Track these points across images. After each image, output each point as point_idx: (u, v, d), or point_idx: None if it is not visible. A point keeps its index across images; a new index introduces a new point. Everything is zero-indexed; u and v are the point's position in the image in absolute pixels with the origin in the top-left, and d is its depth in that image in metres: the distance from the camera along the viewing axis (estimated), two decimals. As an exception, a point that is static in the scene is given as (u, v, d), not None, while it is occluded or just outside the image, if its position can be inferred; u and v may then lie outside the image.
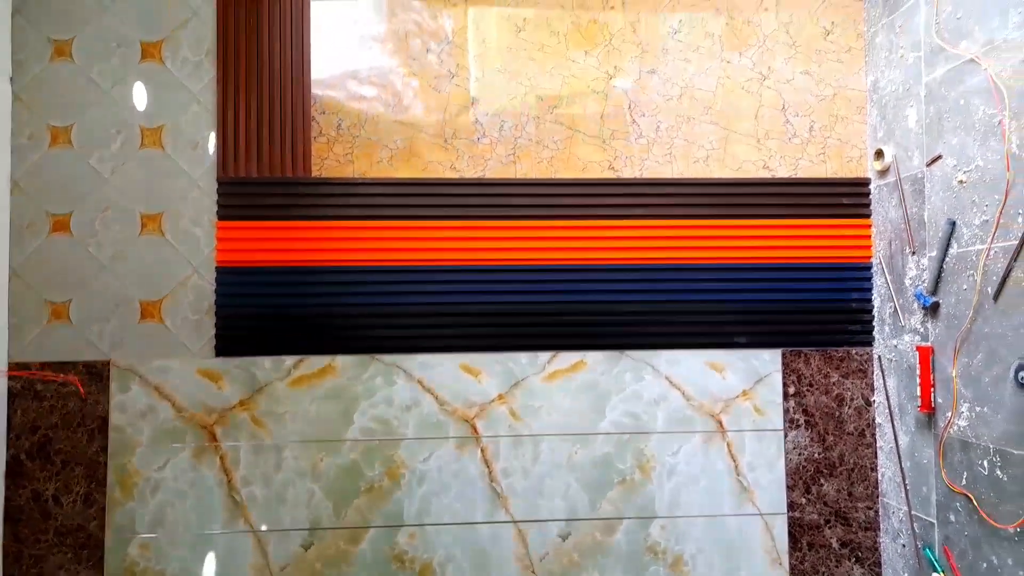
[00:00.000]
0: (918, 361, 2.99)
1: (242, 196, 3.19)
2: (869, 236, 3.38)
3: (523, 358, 3.26)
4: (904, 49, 3.14)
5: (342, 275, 3.21)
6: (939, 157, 2.92)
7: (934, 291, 2.93)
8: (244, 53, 3.23)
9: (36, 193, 3.13)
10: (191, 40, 3.22)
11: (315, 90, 3.26)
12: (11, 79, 3.13)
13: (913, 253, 3.08)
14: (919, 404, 2.99)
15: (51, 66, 3.16)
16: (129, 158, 3.18)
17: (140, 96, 3.19)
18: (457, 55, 3.34)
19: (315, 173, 3.25)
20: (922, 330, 3.02)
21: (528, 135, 3.36)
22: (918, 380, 3.00)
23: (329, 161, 3.27)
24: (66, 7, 3.18)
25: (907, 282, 3.12)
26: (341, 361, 3.20)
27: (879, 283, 3.34)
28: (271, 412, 3.15)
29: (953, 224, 2.83)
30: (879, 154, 3.30)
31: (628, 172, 3.38)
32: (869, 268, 3.38)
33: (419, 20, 3.34)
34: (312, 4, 3.28)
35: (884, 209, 3.29)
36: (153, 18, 3.21)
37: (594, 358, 3.29)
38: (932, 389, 2.95)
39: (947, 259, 2.87)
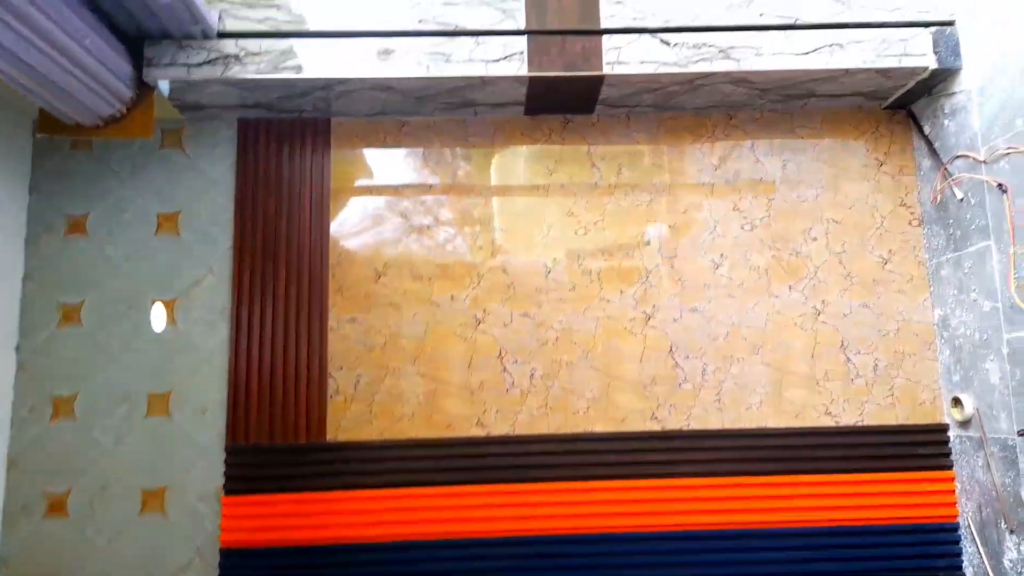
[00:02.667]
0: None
1: (251, 466, 2.98)
2: (953, 491, 3.01)
3: (562, 647, 2.90)
4: (977, 294, 2.86)
5: (360, 554, 2.93)
6: (1033, 430, 2.59)
7: (1044, 589, 2.54)
8: (259, 316, 3.09)
9: (34, 470, 2.95)
10: (205, 302, 3.10)
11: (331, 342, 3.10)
12: (17, 347, 3.03)
13: (1012, 531, 2.70)
14: None
15: (58, 332, 3.06)
16: (134, 428, 3.01)
17: (148, 358, 3.06)
18: (484, 300, 3.17)
19: (330, 437, 3.04)
20: (1032, 630, 2.60)
21: (562, 384, 3.12)
22: None
23: (347, 422, 3.06)
24: (76, 270, 3.11)
25: (1006, 564, 2.73)
26: (357, 654, 2.87)
27: (970, 550, 2.94)
28: None
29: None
30: (957, 402, 2.98)
31: (673, 423, 3.09)
32: (956, 529, 2.99)
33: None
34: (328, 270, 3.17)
35: (969, 465, 2.93)
36: (164, 278, 3.12)
37: (644, 645, 2.91)
38: None
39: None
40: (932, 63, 2.89)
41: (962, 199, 2.92)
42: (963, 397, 2.94)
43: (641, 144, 3.29)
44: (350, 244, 3.19)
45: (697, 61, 2.89)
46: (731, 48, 2.89)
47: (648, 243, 3.22)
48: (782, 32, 2.90)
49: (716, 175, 3.26)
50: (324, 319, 3.12)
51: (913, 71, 2.93)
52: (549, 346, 3.15)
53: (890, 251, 3.21)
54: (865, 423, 3.09)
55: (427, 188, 3.24)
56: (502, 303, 3.17)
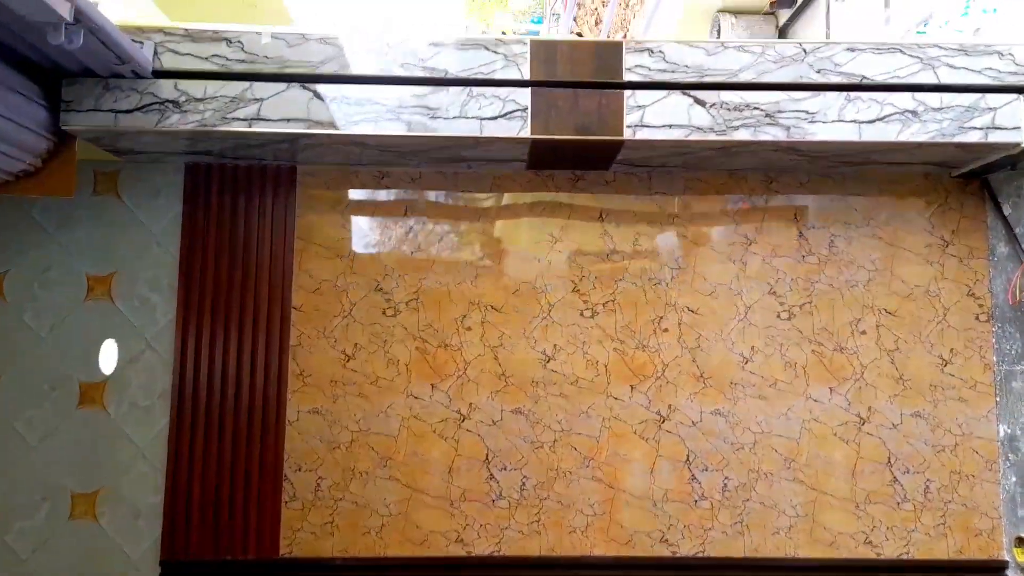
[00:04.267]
0: None
1: (191, 584, 2.58)
2: (1010, 641, 2.61)
3: None
4: (1060, 424, 2.42)
5: None
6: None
7: None
8: (204, 403, 2.66)
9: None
10: (142, 384, 2.67)
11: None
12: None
13: None
14: None
15: (-33, 416, 2.63)
16: (55, 533, 2.60)
17: (72, 450, 2.64)
18: (470, 392, 2.73)
19: (284, 551, 2.63)
20: None
21: (558, 496, 2.70)
22: None
23: (302, 534, 2.65)
24: (-10, 343, 2.67)
25: None
26: None
27: None
28: None
29: None
30: (1022, 542, 2.55)
31: (687, 547, 2.68)
32: None
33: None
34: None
35: (1032, 618, 2.52)
36: (94, 353, 2.68)
37: None
38: None
39: None
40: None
41: (1050, 307, 2.45)
42: (1031, 538, 2.52)
43: (663, 208, 2.81)
44: (315, 318, 2.74)
45: (738, 127, 2.39)
46: (779, 113, 2.39)
47: (666, 330, 2.76)
48: (843, 93, 2.40)
49: (750, 251, 2.79)
50: (282, 410, 2.68)
51: (1000, 146, 2.44)
52: (544, 450, 2.71)
53: (952, 351, 2.75)
54: (912, 556, 2.67)
55: (408, 254, 2.78)
56: (491, 396, 2.73)
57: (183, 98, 2.35)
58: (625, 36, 9.84)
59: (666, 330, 2.77)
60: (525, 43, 2.41)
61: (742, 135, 2.39)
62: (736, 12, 6.34)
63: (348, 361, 2.73)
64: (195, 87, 2.36)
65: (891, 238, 2.79)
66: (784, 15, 6.16)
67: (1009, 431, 2.67)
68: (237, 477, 2.63)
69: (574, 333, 2.76)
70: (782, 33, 6.27)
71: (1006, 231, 2.67)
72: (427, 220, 2.80)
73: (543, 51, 2.41)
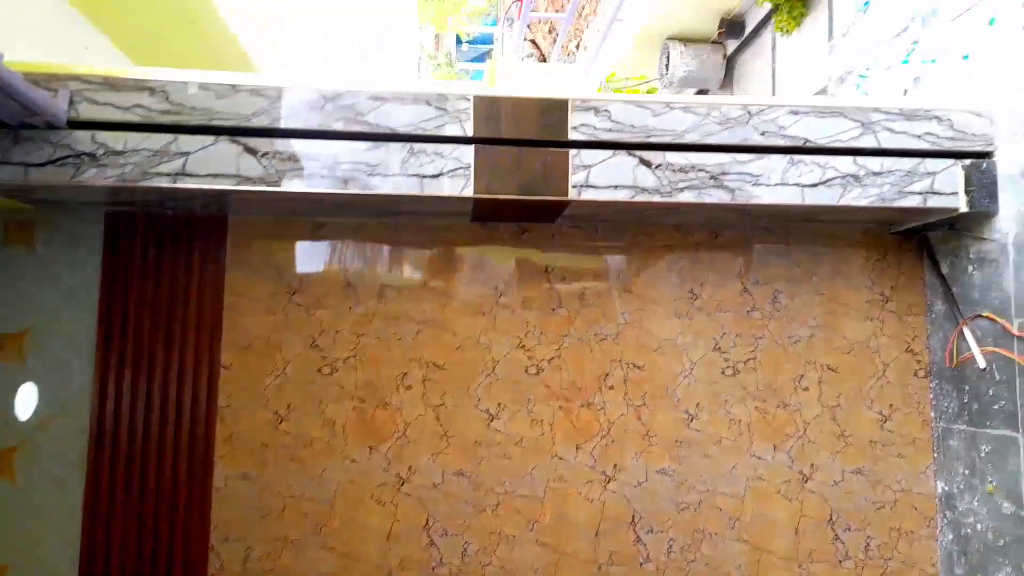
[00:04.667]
0: None
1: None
2: None
3: None
4: (995, 488, 2.46)
5: None
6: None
7: None
8: (123, 470, 2.50)
9: None
10: (54, 451, 2.49)
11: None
12: None
13: None
14: None
15: None
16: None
17: (-24, 525, 2.45)
18: (410, 454, 2.64)
19: (210, 628, 2.49)
20: None
21: (501, 562, 2.63)
22: None
23: (231, 606, 2.52)
24: None
25: None
26: None
27: None
28: None
29: None
30: (960, 602, 2.59)
31: (631, 610, 2.64)
32: None
33: (361, 405, 2.65)
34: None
35: (969, 676, 2.56)
36: (2, 419, 2.50)
37: None
38: None
39: None
40: (963, 205, 2.44)
41: (985, 369, 2.50)
42: (968, 596, 2.56)
43: (609, 263, 2.78)
44: (246, 377, 2.61)
45: (683, 189, 2.38)
46: (724, 175, 2.39)
47: (612, 387, 2.73)
48: (787, 156, 2.41)
49: (695, 306, 2.78)
50: (208, 476, 2.55)
51: (939, 211, 2.48)
52: (488, 514, 2.64)
53: (891, 406, 2.79)
54: (853, 614, 2.69)
55: (347, 308, 2.68)
56: (432, 458, 2.65)
57: (101, 151, 2.21)
58: (578, 45, 9.91)
59: (612, 387, 2.73)
60: (468, 99, 2.35)
61: (687, 197, 2.38)
62: (685, 40, 6.42)
63: (280, 423, 2.61)
64: (114, 139, 2.22)
65: (833, 294, 2.82)
66: (732, 45, 6.26)
67: (947, 488, 2.71)
68: (160, 550, 2.48)
69: (519, 391, 2.70)
70: (730, 62, 6.38)
71: (943, 289, 2.72)
72: (367, 273, 2.70)
73: (486, 108, 2.35)
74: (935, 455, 2.77)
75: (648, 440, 2.72)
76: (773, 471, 2.74)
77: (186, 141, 2.24)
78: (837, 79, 4.07)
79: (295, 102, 2.29)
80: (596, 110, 2.37)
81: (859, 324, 2.82)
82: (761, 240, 2.82)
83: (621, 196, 2.37)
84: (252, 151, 2.26)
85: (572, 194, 2.35)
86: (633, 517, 2.69)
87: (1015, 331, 2.38)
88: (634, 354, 2.74)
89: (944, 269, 2.73)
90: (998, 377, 2.46)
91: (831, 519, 2.73)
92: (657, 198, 2.37)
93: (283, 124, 2.27)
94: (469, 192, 2.32)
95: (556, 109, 2.37)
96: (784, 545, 2.71)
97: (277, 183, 2.26)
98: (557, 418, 2.71)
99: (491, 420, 2.69)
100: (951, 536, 2.68)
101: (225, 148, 2.25)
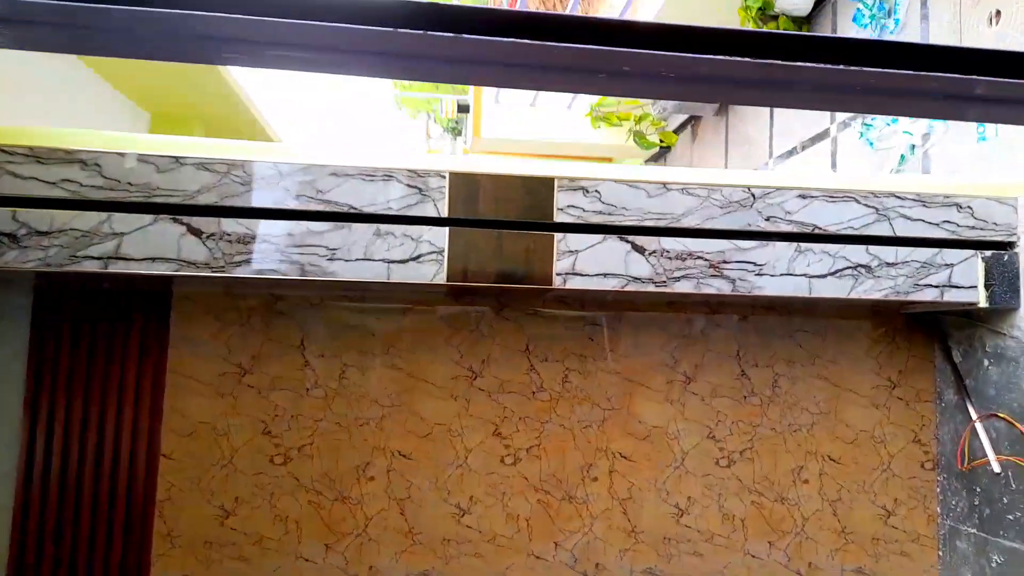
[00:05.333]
0: None
1: None
2: None
3: None
4: (1006, 602, 2.31)
5: None
6: None
7: None
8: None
9: None
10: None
11: None
12: None
13: None
14: None
15: None
16: None
17: None
18: (371, 552, 2.42)
19: None
20: None
21: (469, 669, 2.43)
22: None
23: None
24: None
25: None
26: None
27: None
28: None
29: None
30: None
31: None
32: None
33: (319, 498, 2.43)
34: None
35: None
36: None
37: None
38: None
39: None
40: (983, 300, 2.27)
41: (1000, 475, 2.34)
42: None
43: (595, 342, 2.58)
44: (188, 467, 2.38)
45: (679, 278, 2.18)
46: (724, 264, 2.19)
47: (595, 479, 2.53)
48: (793, 244, 2.21)
49: (688, 390, 2.59)
50: (145, 580, 2.32)
51: (957, 305, 2.31)
52: (456, 620, 2.45)
53: (896, 501, 2.63)
54: None
55: (303, 392, 2.45)
56: (396, 557, 2.44)
57: (23, 231, 1.96)
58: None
59: (595, 479, 2.54)
60: (444, 175, 2.12)
61: (684, 287, 2.18)
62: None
63: (227, 518, 2.39)
64: (39, 218, 1.97)
65: (838, 379, 2.65)
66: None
67: (952, 592, 2.56)
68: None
69: (493, 483, 2.50)
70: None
71: (955, 379, 2.56)
72: (327, 352, 2.48)
73: (464, 186, 2.13)
74: (940, 554, 2.61)
75: (634, 537, 2.53)
76: (769, 570, 2.57)
77: (121, 221, 1.99)
78: (840, 123, 3.89)
79: (247, 177, 2.05)
80: (585, 190, 2.16)
81: (864, 411, 2.64)
82: (760, 321, 2.63)
83: (611, 285, 2.16)
84: (196, 232, 2.02)
85: (557, 282, 2.14)
86: (616, 622, 2.50)
87: (1035, 441, 2.22)
88: (621, 443, 2.55)
89: (957, 358, 2.56)
90: (1014, 486, 2.29)
91: (828, 623, 2.57)
92: (651, 288, 2.17)
93: (232, 202, 2.04)
94: (442, 279, 2.10)
95: (540, 188, 2.16)
96: (777, 652, 2.55)
97: (223, 269, 2.02)
98: (535, 512, 2.51)
99: (462, 515, 2.48)
100: (956, 645, 2.53)
101: (166, 228, 2.01)
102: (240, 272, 2.04)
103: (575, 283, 2.14)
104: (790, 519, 2.59)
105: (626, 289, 2.16)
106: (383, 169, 2.10)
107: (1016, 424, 2.27)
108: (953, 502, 2.56)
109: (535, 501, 2.51)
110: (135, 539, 2.33)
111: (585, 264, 2.15)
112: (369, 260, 2.08)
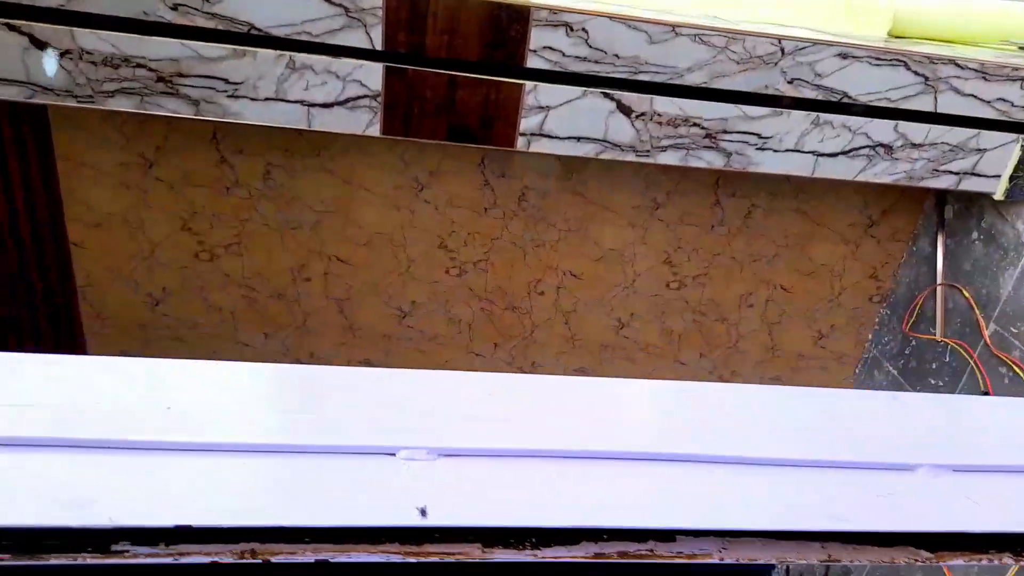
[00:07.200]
0: None
1: None
2: None
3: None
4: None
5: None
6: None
7: None
8: None
9: None
10: None
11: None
12: None
13: None
14: None
15: None
16: None
17: None
18: (311, 344, 2.48)
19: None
20: None
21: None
22: None
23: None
24: None
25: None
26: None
27: None
28: None
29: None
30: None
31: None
32: None
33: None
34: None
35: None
36: None
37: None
38: None
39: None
40: (999, 192, 2.01)
41: (940, 343, 2.38)
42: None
43: (562, 160, 2.28)
44: (104, 256, 2.25)
45: (666, 148, 1.83)
46: (724, 133, 1.83)
47: (542, 293, 2.50)
48: (812, 115, 1.83)
49: (655, 216, 2.41)
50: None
51: (970, 195, 2.05)
52: (393, 402, 2.63)
53: (832, 326, 2.71)
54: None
55: (223, 190, 2.19)
56: (335, 350, 2.51)
57: None
58: None
59: (542, 293, 2.50)
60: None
61: (668, 159, 1.85)
62: None
63: (156, 305, 2.35)
64: None
65: (817, 214, 2.46)
66: None
67: (852, 405, 2.81)
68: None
69: (436, 290, 2.45)
70: None
71: (937, 231, 2.41)
72: (245, 147, 2.15)
73: (407, 5, 1.60)
74: (856, 372, 2.80)
75: (572, 343, 2.62)
76: (693, 374, 2.75)
77: None
78: None
79: (101, -20, 1.49)
80: (569, 27, 1.65)
81: (831, 247, 2.54)
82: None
83: (583, 151, 1.82)
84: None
85: (520, 144, 1.79)
86: (542, 407, 2.74)
87: (986, 334, 2.20)
88: (574, 262, 2.45)
89: (948, 214, 2.37)
90: (947, 359, 2.36)
91: (734, 416, 2.86)
92: (630, 157, 1.84)
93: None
94: (375, 131, 1.73)
95: (513, 20, 1.64)
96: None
97: (92, 100, 1.61)
98: (477, 318, 2.52)
99: (403, 317, 2.48)
100: (839, 443, 2.88)
101: (3, 44, 1.52)
102: (113, 105, 1.63)
103: (541, 146, 1.80)
104: (726, 337, 2.68)
105: (599, 156, 1.83)
106: (296, -24, 1.55)
107: (976, 310, 2.23)
108: (887, 339, 2.66)
109: (478, 309, 2.50)
110: (63, 321, 2.31)
111: (556, 124, 1.77)
112: (283, 101, 1.67)
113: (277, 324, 2.44)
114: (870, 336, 2.73)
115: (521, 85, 1.72)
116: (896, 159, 1.92)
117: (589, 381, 1.36)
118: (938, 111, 1.87)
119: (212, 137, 2.11)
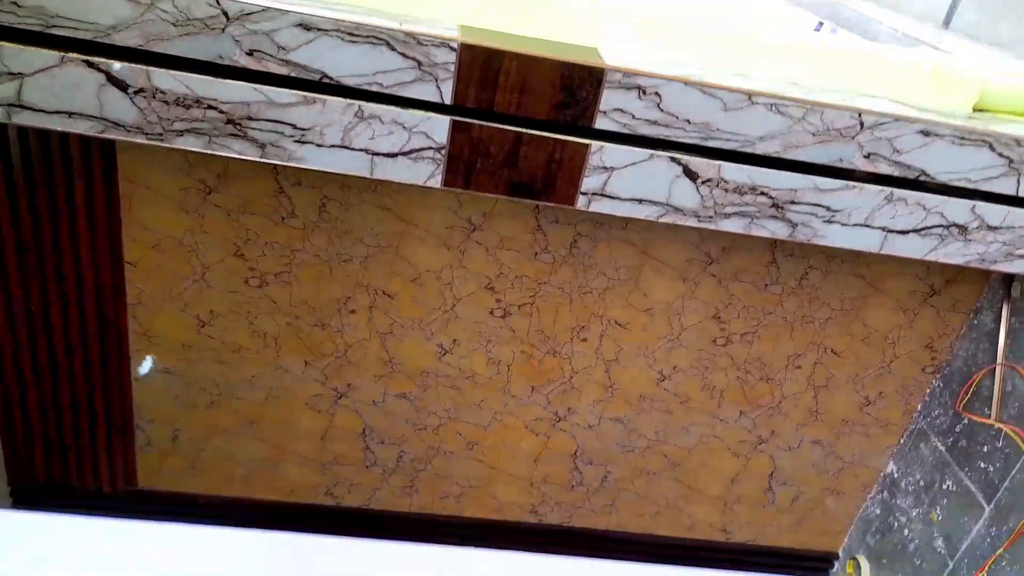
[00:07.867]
0: None
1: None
2: (814, 608, 3.10)
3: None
4: (940, 524, 2.48)
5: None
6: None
7: None
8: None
9: None
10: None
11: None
12: None
13: None
14: None
15: None
16: None
17: None
18: (349, 374, 2.47)
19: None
20: None
21: (434, 467, 2.70)
22: None
23: (164, 473, 2.62)
24: None
25: None
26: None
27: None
28: None
29: None
30: (855, 565, 2.84)
31: (553, 518, 2.84)
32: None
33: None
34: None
35: (837, 607, 2.96)
36: None
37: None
38: None
39: None
40: (1077, 281, 1.92)
41: (992, 426, 2.29)
42: (861, 561, 2.79)
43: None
44: (157, 276, 2.26)
45: (730, 215, 1.79)
46: (792, 204, 1.78)
47: (585, 340, 2.46)
48: (885, 191, 1.77)
49: (707, 271, 2.35)
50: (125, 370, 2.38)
51: (1044, 278, 1.97)
52: (429, 432, 2.61)
53: (880, 394, 2.62)
54: (756, 542, 2.95)
55: (278, 220, 2.19)
56: (374, 380, 2.49)
57: None
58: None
59: (584, 340, 2.46)
60: (453, 47, 1.55)
61: (731, 226, 1.80)
62: None
63: (203, 327, 2.35)
64: None
65: (876, 278, 2.39)
66: None
67: (896, 475, 2.73)
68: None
69: (479, 331, 2.42)
70: None
71: (1003, 305, 2.32)
72: (303, 180, 2.14)
73: (480, 62, 1.57)
74: (900, 442, 2.71)
75: (611, 392, 2.57)
76: (731, 432, 2.69)
77: (14, 63, 1.50)
78: None
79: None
80: (642, 90, 1.61)
81: (888, 313, 2.46)
82: (815, 211, 2.25)
83: (644, 214, 1.78)
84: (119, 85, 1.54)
85: (580, 203, 1.75)
86: (575, 451, 2.70)
87: (1048, 424, 2.11)
88: (620, 312, 2.41)
89: (1015, 292, 2.28)
90: (1000, 444, 2.27)
91: (771, 473, 2.79)
92: (692, 222, 1.79)
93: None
94: (436, 183, 1.71)
95: (585, 81, 1.60)
96: (717, 489, 2.82)
97: (161, 137, 1.61)
98: (517, 360, 2.49)
99: (443, 354, 2.46)
100: (878, 511, 2.80)
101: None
102: (182, 144, 1.63)
103: (601, 206, 1.76)
104: (769, 396, 2.61)
105: (660, 220, 1.78)
106: (372, 27, 1.53)
107: (1038, 396, 2.14)
108: (936, 412, 2.57)
109: (519, 351, 2.47)
110: (111, 336, 2.33)
111: (619, 185, 1.73)
112: (347, 149, 1.66)
113: (318, 352, 2.43)
114: (919, 407, 2.64)
115: (587, 145, 1.68)
116: (970, 240, 1.85)
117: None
118: (1020, 195, 1.79)
119: (273, 168, 2.11)
